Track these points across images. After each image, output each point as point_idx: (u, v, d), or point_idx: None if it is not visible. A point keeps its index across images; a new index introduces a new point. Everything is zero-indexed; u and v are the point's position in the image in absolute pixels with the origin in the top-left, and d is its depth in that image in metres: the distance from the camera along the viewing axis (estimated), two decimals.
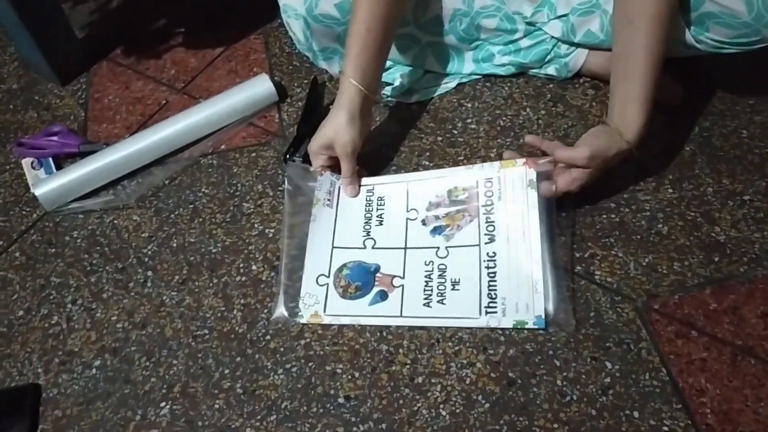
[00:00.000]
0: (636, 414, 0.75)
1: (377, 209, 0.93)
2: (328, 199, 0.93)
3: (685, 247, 0.87)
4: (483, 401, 0.77)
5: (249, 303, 0.88)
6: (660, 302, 0.83)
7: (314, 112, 1.05)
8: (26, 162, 1.03)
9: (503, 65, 1.06)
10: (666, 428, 0.74)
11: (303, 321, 0.85)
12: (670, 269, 0.85)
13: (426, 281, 0.86)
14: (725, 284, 0.83)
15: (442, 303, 0.84)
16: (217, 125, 1.06)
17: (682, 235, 0.88)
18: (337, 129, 0.88)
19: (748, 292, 0.82)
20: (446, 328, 0.83)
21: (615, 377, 0.78)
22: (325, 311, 0.85)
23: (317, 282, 0.88)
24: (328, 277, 0.88)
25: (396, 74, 1.08)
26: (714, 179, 0.93)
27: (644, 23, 0.83)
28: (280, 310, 0.85)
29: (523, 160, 0.87)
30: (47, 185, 0.97)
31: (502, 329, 0.82)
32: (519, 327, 0.81)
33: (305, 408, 0.79)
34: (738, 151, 0.96)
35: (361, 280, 0.87)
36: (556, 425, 0.75)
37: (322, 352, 0.83)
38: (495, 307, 0.82)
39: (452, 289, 0.84)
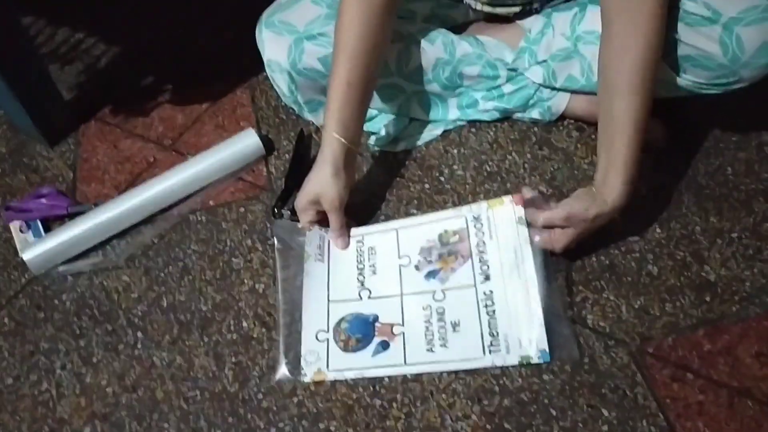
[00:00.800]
0: None
1: (369, 259, 0.93)
2: (319, 254, 0.93)
3: (676, 288, 0.87)
4: None
5: (241, 361, 0.87)
6: (654, 345, 0.82)
7: (302, 165, 1.06)
8: (14, 226, 1.03)
9: (487, 111, 1.07)
10: None
11: (307, 380, 0.83)
12: (662, 311, 0.85)
13: (426, 326, 0.85)
14: (718, 324, 0.83)
15: (445, 347, 0.83)
16: (205, 181, 1.06)
17: (672, 275, 0.88)
18: (323, 184, 0.89)
19: (742, 332, 0.82)
20: (440, 379, 0.82)
21: (612, 425, 0.77)
22: (328, 367, 0.84)
23: (317, 338, 0.86)
24: (328, 332, 0.87)
25: (381, 123, 1.09)
26: (701, 218, 0.93)
27: (625, 90, 0.82)
28: (282, 371, 0.84)
29: (510, 197, 0.88)
30: (35, 249, 0.97)
31: (496, 378, 0.81)
32: (524, 363, 0.81)
33: None
34: (724, 188, 0.96)
35: (361, 332, 0.86)
36: None
37: (315, 410, 0.81)
38: (498, 345, 0.81)
39: (453, 332, 0.84)
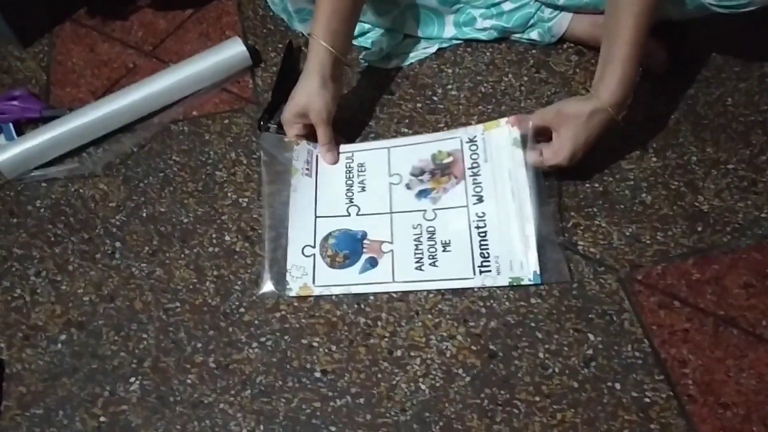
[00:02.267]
0: (618, 386, 0.74)
1: (358, 175, 0.90)
2: (307, 169, 0.90)
3: (668, 217, 0.85)
4: (463, 374, 0.76)
5: (222, 275, 0.85)
6: (643, 273, 0.81)
7: (289, 78, 1.01)
8: None
9: (485, 30, 1.03)
10: (648, 400, 0.73)
11: (292, 294, 0.82)
12: (653, 239, 0.84)
13: (416, 245, 0.83)
14: (708, 254, 0.82)
15: (435, 265, 0.82)
16: (188, 90, 1.01)
17: (665, 204, 0.87)
18: (310, 95, 0.85)
19: (731, 263, 0.81)
20: (426, 299, 0.81)
21: (597, 349, 0.76)
22: (314, 282, 0.82)
23: (303, 253, 0.85)
24: (314, 247, 0.85)
25: (373, 38, 1.04)
26: (698, 148, 0.91)
27: None
28: (267, 285, 0.82)
29: (506, 119, 0.87)
30: (7, 152, 0.92)
31: (483, 300, 0.80)
32: (515, 284, 0.80)
33: (281, 382, 0.76)
34: (722, 119, 0.94)
35: (348, 248, 0.85)
36: (537, 398, 0.74)
37: (297, 325, 0.80)
38: (489, 265, 0.80)
39: (443, 251, 0.82)
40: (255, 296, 0.82)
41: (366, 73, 1.03)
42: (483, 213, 0.83)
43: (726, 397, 0.72)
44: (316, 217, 0.87)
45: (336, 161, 0.91)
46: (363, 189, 0.89)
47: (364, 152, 0.92)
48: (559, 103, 0.83)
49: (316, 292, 0.82)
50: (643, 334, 0.77)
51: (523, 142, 0.85)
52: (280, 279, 0.83)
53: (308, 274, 0.83)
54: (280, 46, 1.07)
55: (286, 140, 0.90)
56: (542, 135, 0.84)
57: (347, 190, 0.89)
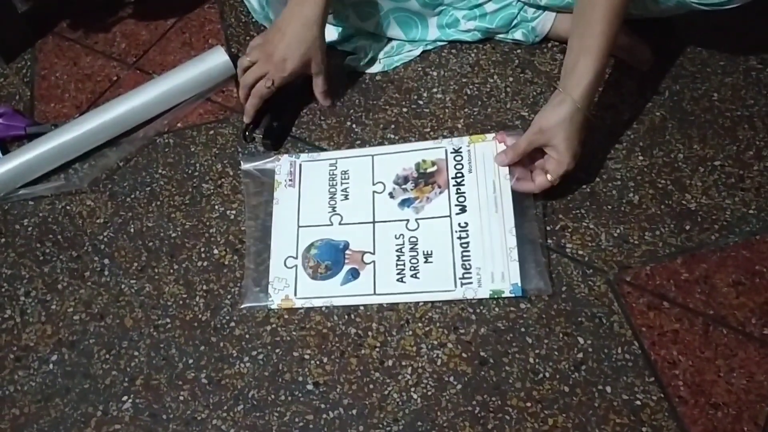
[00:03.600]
0: (609, 389, 0.74)
1: (341, 183, 0.90)
2: (290, 180, 0.90)
3: (656, 217, 0.85)
4: (455, 382, 0.76)
5: (212, 289, 0.85)
6: (632, 274, 0.81)
7: None
8: None
9: (469, 31, 1.02)
10: (639, 402, 0.73)
11: (273, 306, 0.82)
12: (641, 240, 0.84)
13: (398, 255, 0.83)
14: (697, 253, 0.82)
15: (416, 277, 0.82)
16: (172, 102, 1.00)
17: (653, 204, 0.86)
18: (310, 49, 0.90)
19: (720, 261, 0.81)
20: (416, 308, 0.81)
21: (587, 352, 0.77)
22: (296, 294, 0.82)
23: (285, 264, 0.85)
24: (296, 258, 0.85)
25: (357, 43, 1.03)
26: (685, 145, 0.91)
27: None
28: (249, 297, 0.82)
29: (493, 135, 0.88)
30: None
31: (473, 307, 0.80)
32: (496, 297, 0.80)
33: (273, 396, 0.76)
34: (709, 115, 0.94)
35: (330, 258, 0.84)
36: (529, 404, 0.74)
37: (288, 338, 0.80)
38: (470, 277, 0.80)
39: (425, 262, 0.82)
40: (244, 310, 0.82)
41: (350, 78, 1.02)
42: (466, 223, 0.83)
43: (717, 398, 0.73)
44: (299, 227, 0.87)
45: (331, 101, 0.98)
46: (346, 197, 0.88)
47: (347, 159, 0.92)
48: (535, 122, 0.81)
49: (298, 304, 0.82)
50: (632, 336, 0.77)
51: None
52: (262, 291, 0.83)
53: (290, 286, 0.83)
54: None
55: (264, 152, 0.91)
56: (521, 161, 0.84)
57: (330, 198, 0.89)
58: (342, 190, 0.89)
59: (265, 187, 0.89)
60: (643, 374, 0.75)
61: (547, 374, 0.75)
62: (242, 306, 0.82)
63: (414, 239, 0.84)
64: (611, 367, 0.75)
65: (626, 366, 0.75)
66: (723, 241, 0.83)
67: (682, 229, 0.84)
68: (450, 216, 0.84)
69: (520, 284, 0.79)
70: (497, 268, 0.80)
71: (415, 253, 0.83)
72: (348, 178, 0.90)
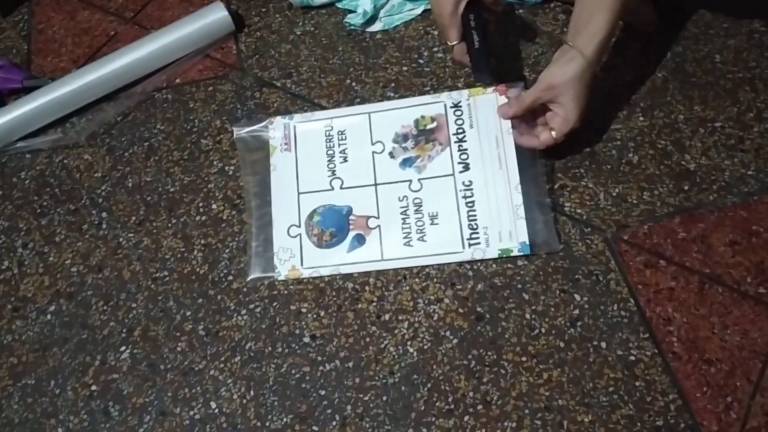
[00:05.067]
0: (604, 345, 0.75)
1: (339, 144, 0.88)
2: (285, 143, 0.89)
3: (655, 176, 0.85)
4: (451, 337, 0.76)
5: (210, 243, 0.85)
6: (629, 232, 0.82)
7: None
8: None
9: None
10: (633, 358, 0.74)
11: (281, 278, 0.81)
12: (639, 199, 0.84)
13: (403, 218, 0.83)
14: (694, 213, 0.82)
15: (423, 240, 0.81)
16: (170, 57, 1.00)
17: (652, 164, 0.86)
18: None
19: (717, 221, 0.81)
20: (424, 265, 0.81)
21: (583, 309, 0.77)
22: (302, 264, 0.82)
23: (288, 233, 0.84)
24: (300, 226, 0.84)
25: (358, 1, 1.02)
26: (685, 106, 0.91)
27: None
28: (255, 269, 0.82)
29: (493, 87, 0.86)
30: None
31: (471, 263, 0.80)
32: (504, 256, 0.79)
33: (270, 348, 0.77)
34: (711, 76, 0.93)
35: (334, 225, 0.84)
36: (524, 358, 0.74)
37: (286, 292, 0.80)
38: (477, 237, 0.80)
39: (431, 224, 0.82)
40: (243, 264, 0.82)
41: (350, 36, 1.01)
42: (470, 181, 0.83)
43: (710, 354, 0.73)
44: (299, 193, 0.86)
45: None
46: (345, 159, 0.87)
47: (343, 119, 0.90)
48: (543, 77, 0.79)
49: (305, 274, 0.81)
50: (628, 294, 0.78)
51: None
52: (267, 263, 0.82)
53: (295, 256, 0.82)
54: (264, 10, 1.06)
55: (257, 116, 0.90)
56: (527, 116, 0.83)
57: (329, 161, 0.87)
58: (341, 152, 0.88)
59: (262, 145, 0.89)
60: (637, 330, 0.75)
61: (543, 330, 0.76)
62: (248, 279, 0.82)
63: (418, 201, 0.83)
64: (607, 323, 0.76)
65: (621, 322, 0.76)
66: (721, 202, 0.83)
67: (681, 189, 0.84)
68: (453, 174, 0.84)
69: (527, 242, 0.79)
70: (504, 226, 0.80)
71: (420, 216, 0.83)
72: (345, 139, 0.89)
